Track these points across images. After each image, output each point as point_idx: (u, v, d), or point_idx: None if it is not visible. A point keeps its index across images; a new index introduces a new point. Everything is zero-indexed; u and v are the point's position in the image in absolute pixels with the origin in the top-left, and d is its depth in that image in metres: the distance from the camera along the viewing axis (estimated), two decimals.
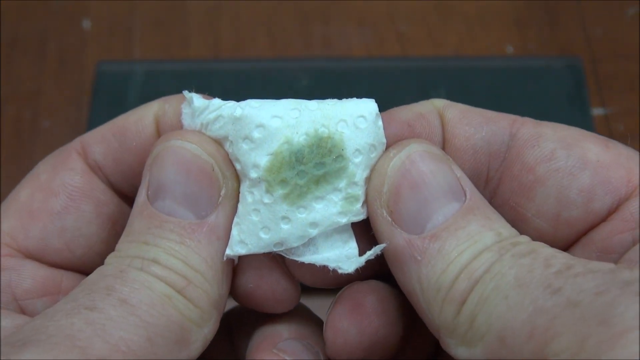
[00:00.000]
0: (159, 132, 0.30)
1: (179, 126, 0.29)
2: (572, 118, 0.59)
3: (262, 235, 0.28)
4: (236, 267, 0.29)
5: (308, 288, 0.31)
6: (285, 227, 0.27)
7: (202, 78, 0.61)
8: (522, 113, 0.65)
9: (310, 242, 0.28)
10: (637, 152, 0.28)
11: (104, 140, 0.30)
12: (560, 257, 0.24)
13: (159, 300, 0.25)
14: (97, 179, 0.30)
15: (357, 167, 0.27)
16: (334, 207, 0.27)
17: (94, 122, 0.60)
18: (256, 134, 0.27)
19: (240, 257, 0.28)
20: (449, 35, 0.66)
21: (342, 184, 0.27)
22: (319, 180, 0.27)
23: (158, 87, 0.61)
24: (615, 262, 0.26)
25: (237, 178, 0.28)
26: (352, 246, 0.28)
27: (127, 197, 0.31)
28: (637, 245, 0.26)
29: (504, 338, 0.23)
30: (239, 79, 0.61)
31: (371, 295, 0.29)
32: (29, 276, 0.29)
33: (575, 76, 0.61)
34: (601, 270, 0.22)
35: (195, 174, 0.27)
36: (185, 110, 0.29)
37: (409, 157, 0.27)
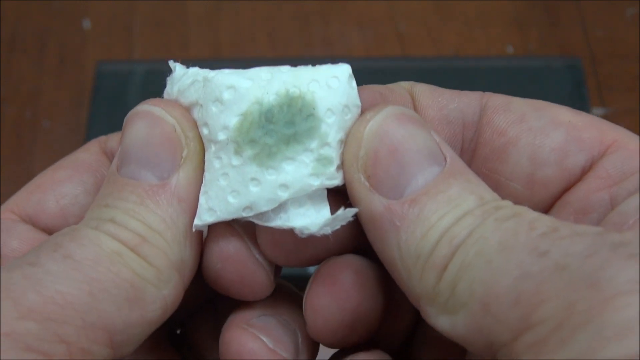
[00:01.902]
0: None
1: None
2: None
3: (231, 200, 0.27)
4: (204, 246, 0.28)
5: (292, 278, 0.30)
6: (254, 189, 0.26)
7: None
8: None
9: (281, 209, 0.27)
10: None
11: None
12: (545, 220, 0.23)
13: (107, 256, 0.24)
14: (107, 160, 0.31)
15: (330, 128, 0.26)
16: (305, 168, 0.26)
17: (94, 122, 0.60)
18: (226, 96, 0.27)
19: (208, 237, 0.28)
20: (449, 35, 0.66)
21: (313, 144, 0.26)
22: (289, 140, 0.26)
23: (158, 87, 0.61)
24: (594, 223, 0.26)
25: (201, 141, 0.28)
26: (325, 214, 0.27)
27: None
28: (619, 208, 0.25)
29: (487, 305, 0.22)
30: None
31: (348, 270, 0.28)
32: (18, 236, 0.29)
33: (575, 76, 0.61)
34: (589, 233, 0.22)
35: (156, 136, 0.27)
36: (169, 81, 0.29)
37: (386, 120, 0.26)
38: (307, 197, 0.27)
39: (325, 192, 0.28)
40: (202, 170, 0.27)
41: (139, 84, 0.61)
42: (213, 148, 0.27)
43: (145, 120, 0.27)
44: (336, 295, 0.28)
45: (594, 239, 0.21)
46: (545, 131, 0.27)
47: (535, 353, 0.21)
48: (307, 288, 0.28)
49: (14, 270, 0.23)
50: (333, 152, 0.26)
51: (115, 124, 0.64)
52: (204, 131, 0.27)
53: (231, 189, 0.27)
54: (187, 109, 0.28)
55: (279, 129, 0.26)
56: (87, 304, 0.23)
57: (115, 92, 0.61)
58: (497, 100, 0.28)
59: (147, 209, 0.26)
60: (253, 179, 0.26)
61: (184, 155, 0.27)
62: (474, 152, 0.28)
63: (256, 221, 0.27)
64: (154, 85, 0.64)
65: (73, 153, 0.32)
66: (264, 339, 0.28)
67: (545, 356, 0.20)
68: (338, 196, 0.27)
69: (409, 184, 0.25)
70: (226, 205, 0.27)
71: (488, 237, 0.23)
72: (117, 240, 0.25)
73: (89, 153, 0.31)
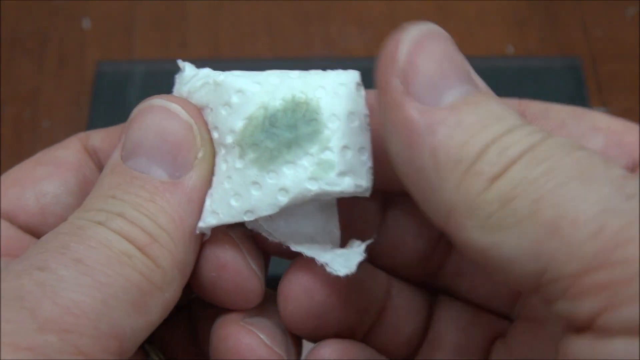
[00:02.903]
0: None
1: None
2: None
3: (233, 203, 0.27)
4: (199, 255, 0.28)
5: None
6: (255, 193, 0.26)
7: None
8: None
9: (291, 220, 0.27)
10: None
11: (107, 130, 0.31)
12: (617, 166, 0.21)
13: (117, 258, 0.23)
14: (89, 159, 0.30)
15: (333, 133, 0.26)
16: (304, 172, 0.26)
17: (94, 122, 0.60)
18: (234, 99, 0.26)
19: (203, 246, 0.27)
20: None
21: (314, 148, 0.26)
22: (290, 144, 0.26)
23: (158, 87, 0.61)
24: None
25: (212, 142, 0.27)
26: (334, 227, 0.27)
27: None
28: None
29: (558, 228, 0.20)
30: None
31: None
32: None
33: (575, 76, 0.62)
34: None
35: (173, 133, 0.26)
36: (178, 79, 0.29)
37: (429, 32, 0.25)
38: (316, 209, 0.27)
39: (336, 205, 0.28)
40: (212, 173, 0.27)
41: (139, 84, 0.61)
42: (222, 151, 0.27)
43: (161, 114, 0.26)
44: (306, 285, 0.27)
45: None
46: (585, 137, 0.26)
47: (605, 296, 0.19)
48: (282, 277, 0.28)
49: (24, 276, 0.22)
50: (335, 157, 0.26)
51: (115, 123, 0.64)
52: (214, 135, 0.27)
53: (234, 192, 0.27)
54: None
55: (281, 132, 0.26)
56: (99, 312, 0.22)
57: (115, 92, 0.61)
58: (535, 107, 0.28)
59: (157, 206, 0.25)
60: (254, 183, 0.26)
61: (199, 156, 0.26)
62: None
63: (263, 233, 0.27)
64: (154, 85, 0.64)
65: (52, 148, 0.31)
66: (261, 336, 0.28)
67: (618, 302, 0.19)
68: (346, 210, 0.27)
69: (447, 94, 0.24)
70: (229, 209, 0.27)
71: (559, 159, 0.21)
72: (126, 240, 0.24)
73: (71, 151, 0.30)
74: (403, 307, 0.30)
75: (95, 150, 0.30)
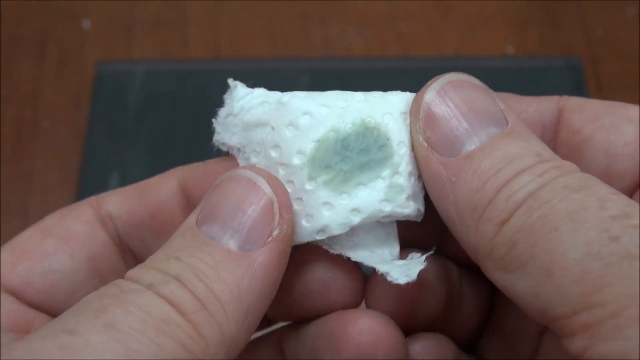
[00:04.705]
0: (184, 187, 0.30)
1: (207, 179, 0.29)
2: None
3: (305, 224, 0.27)
4: (288, 283, 0.28)
5: None
6: (327, 213, 0.27)
7: (202, 78, 0.61)
8: None
9: (353, 234, 0.28)
10: None
11: (121, 192, 0.30)
12: (617, 201, 0.23)
13: (154, 325, 0.22)
14: (101, 231, 0.29)
15: (402, 159, 0.27)
16: (378, 194, 0.27)
17: (94, 122, 0.60)
18: (302, 121, 0.27)
19: (291, 270, 0.27)
20: (449, 35, 0.66)
21: (385, 172, 0.27)
22: (363, 167, 0.27)
23: (158, 87, 0.61)
24: None
25: (293, 224, 0.27)
26: (394, 242, 0.29)
27: (132, 253, 0.30)
28: None
29: (550, 273, 0.22)
30: (239, 79, 0.61)
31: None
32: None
33: (575, 76, 0.62)
34: None
35: (253, 206, 0.26)
36: (227, 100, 0.29)
37: (446, 85, 0.27)
38: (378, 224, 0.28)
39: (396, 225, 0.29)
40: (287, 256, 0.27)
41: (139, 84, 0.61)
42: (282, 172, 0.27)
43: (244, 186, 0.26)
44: (394, 286, 0.27)
45: None
46: (618, 127, 0.27)
47: (588, 334, 0.21)
48: (370, 276, 0.29)
49: (49, 338, 0.21)
50: (404, 182, 0.27)
51: (115, 123, 0.64)
52: (272, 153, 0.28)
53: (305, 213, 0.27)
54: (250, 127, 0.28)
55: (354, 156, 0.27)
56: None
57: (115, 92, 0.61)
58: (572, 102, 0.29)
59: (218, 275, 0.24)
60: (325, 203, 0.27)
61: (274, 234, 0.26)
62: (554, 152, 0.28)
63: (330, 249, 0.28)
64: (154, 85, 0.64)
65: (63, 214, 0.29)
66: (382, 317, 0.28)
67: (598, 339, 0.20)
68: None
69: (466, 143, 0.26)
70: (301, 229, 0.27)
71: (555, 204, 0.23)
72: (170, 305, 0.23)
73: (81, 222, 0.29)
74: (471, 296, 0.31)
75: (111, 217, 0.29)
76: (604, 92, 0.62)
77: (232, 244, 0.25)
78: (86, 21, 0.67)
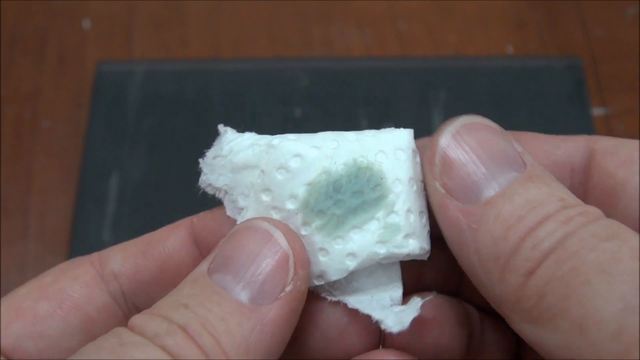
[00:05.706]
0: (196, 236, 0.29)
1: (219, 227, 0.28)
2: (572, 118, 0.59)
3: None
4: (312, 313, 0.27)
5: None
6: (323, 259, 0.27)
7: (201, 78, 0.61)
8: (523, 113, 0.65)
9: (353, 278, 0.27)
10: None
11: (126, 247, 0.29)
12: None
13: None
14: (101, 293, 0.29)
15: (397, 197, 0.27)
16: (372, 236, 0.26)
17: (94, 122, 0.60)
18: (293, 164, 0.26)
19: (311, 305, 0.27)
20: (449, 35, 0.66)
21: (379, 213, 0.27)
22: (356, 210, 0.26)
23: (158, 87, 0.61)
24: None
25: (307, 281, 0.27)
26: (397, 285, 0.28)
27: (138, 311, 0.29)
28: None
29: (584, 328, 0.21)
30: (239, 79, 0.61)
31: (429, 304, 0.28)
32: None
33: (575, 76, 0.61)
34: None
35: (267, 259, 0.25)
36: (217, 142, 0.29)
37: (461, 128, 0.26)
38: (379, 267, 0.28)
39: (399, 267, 0.28)
40: (299, 312, 0.26)
41: (139, 84, 0.61)
42: (275, 216, 0.27)
43: (260, 237, 0.26)
44: (416, 329, 0.27)
45: None
46: None
47: None
48: None
49: None
50: (401, 220, 0.27)
51: (115, 123, 0.64)
52: (263, 197, 0.27)
53: None
54: (239, 169, 0.28)
55: (347, 198, 0.26)
56: None
57: (115, 92, 0.61)
58: (604, 143, 0.28)
59: (226, 327, 0.24)
60: (321, 249, 0.27)
61: (287, 289, 0.25)
62: (584, 196, 0.28)
63: (330, 296, 0.27)
64: (154, 85, 0.64)
65: (64, 271, 0.29)
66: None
67: None
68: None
69: (485, 189, 0.25)
70: None
71: (585, 255, 0.22)
72: (170, 357, 0.22)
73: (79, 284, 0.28)
74: (494, 343, 0.30)
75: (115, 275, 0.29)
76: (603, 92, 0.62)
77: (243, 296, 0.25)
78: (86, 21, 0.67)
